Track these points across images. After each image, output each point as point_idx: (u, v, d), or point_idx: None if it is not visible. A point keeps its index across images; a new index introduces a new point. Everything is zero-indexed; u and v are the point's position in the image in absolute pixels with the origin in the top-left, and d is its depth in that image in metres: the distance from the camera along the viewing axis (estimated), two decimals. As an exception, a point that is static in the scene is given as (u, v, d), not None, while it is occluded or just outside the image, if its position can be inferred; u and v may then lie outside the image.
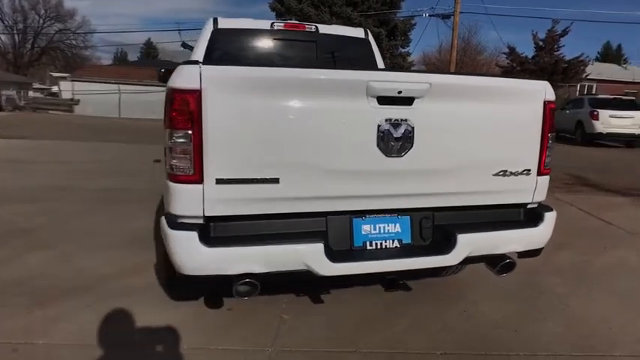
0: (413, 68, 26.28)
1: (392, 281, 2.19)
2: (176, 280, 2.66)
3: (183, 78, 1.82)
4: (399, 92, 1.95)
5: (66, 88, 29.51)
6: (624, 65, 32.01)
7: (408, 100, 1.98)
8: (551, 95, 2.24)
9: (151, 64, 35.70)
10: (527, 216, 2.36)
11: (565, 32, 20.01)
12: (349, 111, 1.94)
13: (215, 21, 3.81)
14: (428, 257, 2.12)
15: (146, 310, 2.74)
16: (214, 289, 2.94)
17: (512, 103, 2.17)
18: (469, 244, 2.13)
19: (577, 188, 6.79)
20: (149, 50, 64.85)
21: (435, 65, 31.19)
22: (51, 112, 27.15)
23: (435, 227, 2.21)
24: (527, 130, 2.22)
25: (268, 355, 2.34)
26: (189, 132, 1.82)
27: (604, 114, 13.26)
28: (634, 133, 13.50)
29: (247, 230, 1.96)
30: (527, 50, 22.58)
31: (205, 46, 3.74)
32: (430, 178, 2.11)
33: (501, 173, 2.21)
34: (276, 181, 1.91)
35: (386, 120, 1.97)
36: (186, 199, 1.89)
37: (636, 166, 10.53)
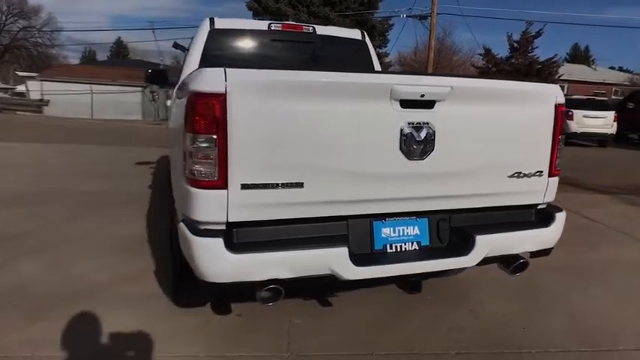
0: (390, 69, 26.51)
1: (415, 283, 2.19)
2: (185, 287, 2.63)
3: (208, 81, 1.78)
4: (422, 96, 1.96)
5: (34, 88, 28.57)
6: (593, 66, 33.08)
7: (429, 104, 2.00)
8: (561, 98, 2.29)
9: (123, 64, 35.01)
10: (538, 216, 2.41)
11: (539, 34, 20.57)
12: (373, 114, 1.94)
13: (212, 21, 3.75)
14: (448, 259, 2.14)
15: (152, 319, 2.68)
16: (221, 296, 2.90)
17: (526, 105, 2.21)
18: (487, 245, 2.16)
19: (560, 187, 6.97)
20: (119, 49, 63.48)
21: (410, 66, 31.51)
22: (18, 113, 26.24)
23: (452, 229, 2.23)
24: (540, 132, 2.27)
25: (290, 360, 2.33)
26: (214, 136, 1.79)
27: (578, 114, 13.67)
28: (606, 133, 14.01)
29: (269, 235, 1.93)
30: (503, 51, 23.17)
31: (202, 47, 3.68)
32: (449, 181, 2.13)
33: (516, 175, 2.25)
34: (300, 185, 1.89)
35: (408, 123, 1.98)
36: (210, 205, 1.85)
37: (612, 164, 10.91)
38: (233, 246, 1.83)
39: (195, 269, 1.88)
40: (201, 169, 1.83)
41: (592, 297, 3.15)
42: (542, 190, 2.36)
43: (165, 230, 3.96)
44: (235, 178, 1.82)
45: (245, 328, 2.63)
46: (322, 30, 4.03)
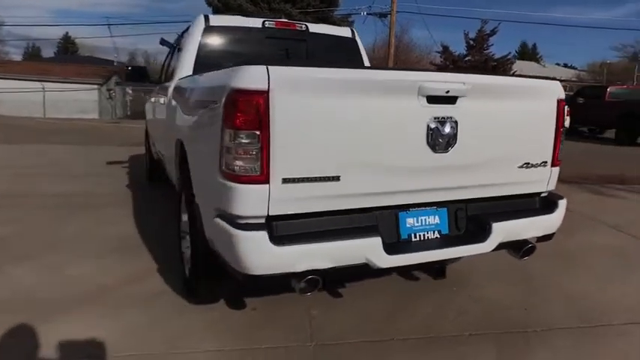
0: (351, 65, 26.73)
1: (440, 270, 2.31)
2: (203, 281, 2.65)
3: (251, 79, 1.81)
4: (447, 92, 2.08)
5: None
6: (542, 63, 34.72)
7: (452, 99, 2.11)
8: (562, 93, 2.47)
9: (74, 61, 33.58)
10: (543, 204, 2.59)
11: (493, 32, 21.42)
12: (403, 110, 2.04)
13: (206, 19, 3.73)
14: (467, 246, 2.27)
15: (168, 316, 2.68)
16: (240, 289, 2.92)
17: (533, 100, 2.38)
18: (502, 231, 2.31)
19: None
20: (67, 45, 60.77)
21: (370, 62, 31.91)
22: (-43, 112, 24.69)
23: (468, 217, 2.36)
24: (545, 125, 2.44)
25: (312, 350, 2.39)
26: (258, 132, 1.83)
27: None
28: (560, 126, 14.75)
29: (306, 227, 1.99)
30: (460, 49, 23.90)
31: (197, 44, 3.66)
32: (467, 172, 2.26)
33: (525, 165, 2.41)
34: (337, 178, 1.96)
35: (434, 118, 2.09)
36: (252, 200, 1.89)
37: (570, 156, 11.52)
38: (276, 239, 1.88)
39: (236, 262, 1.92)
40: (243, 164, 1.87)
41: (580, 280, 3.38)
42: (547, 179, 2.54)
43: (156, 228, 3.95)
44: (277, 172, 1.87)
45: (264, 321, 2.68)
46: (314, 28, 4.09)
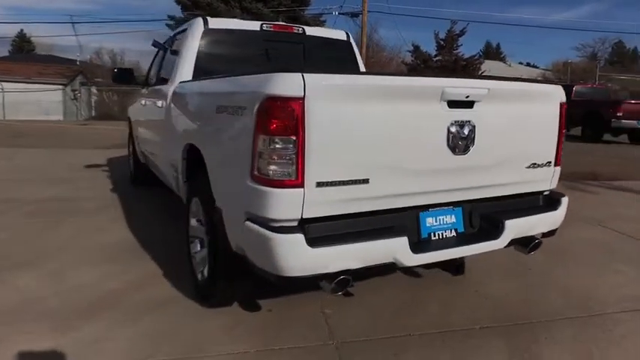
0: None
1: (460, 266, 2.41)
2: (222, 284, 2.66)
3: (288, 85, 1.86)
4: (467, 97, 2.18)
5: None
6: (508, 63, 35.83)
7: (470, 104, 2.22)
8: (564, 97, 2.62)
9: (32, 60, 32.32)
10: (546, 201, 2.73)
11: (462, 32, 21.96)
12: (426, 114, 2.13)
13: (205, 21, 3.72)
14: (483, 243, 2.38)
15: (186, 321, 2.68)
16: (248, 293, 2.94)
17: (540, 104, 2.52)
18: (514, 228, 2.43)
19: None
20: (22, 44, 58.34)
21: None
22: None
23: (481, 216, 2.48)
24: (550, 127, 2.58)
25: (335, 348, 2.45)
26: (293, 138, 1.87)
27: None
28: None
29: (337, 229, 2.05)
30: (430, 48, 24.36)
31: (197, 47, 3.65)
32: (482, 172, 2.37)
33: (532, 165, 2.55)
34: (366, 181, 2.03)
35: (455, 121, 2.19)
36: (286, 203, 1.93)
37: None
38: (311, 241, 1.93)
39: (271, 264, 1.96)
40: (279, 169, 1.91)
41: (573, 273, 3.56)
42: (550, 178, 2.68)
43: (151, 233, 3.90)
44: (311, 176, 1.92)
45: (280, 322, 2.72)
46: (311, 31, 4.14)
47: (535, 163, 2.56)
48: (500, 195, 2.52)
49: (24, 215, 4.82)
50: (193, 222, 3.05)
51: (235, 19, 3.97)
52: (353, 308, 2.91)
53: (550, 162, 2.63)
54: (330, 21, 25.54)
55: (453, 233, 2.39)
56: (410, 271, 3.32)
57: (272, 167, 1.92)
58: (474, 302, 3.02)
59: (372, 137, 2.02)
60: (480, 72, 21.82)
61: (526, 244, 2.58)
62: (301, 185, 1.92)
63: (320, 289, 2.98)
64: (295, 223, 1.98)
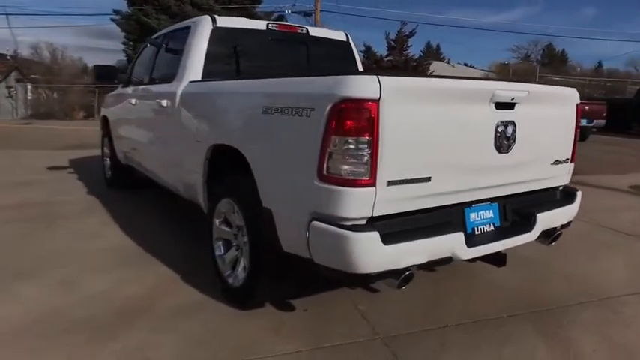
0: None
1: (502, 258, 2.55)
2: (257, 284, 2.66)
3: (365, 87, 1.90)
4: (512, 99, 2.31)
5: None
6: (452, 63, 37.32)
7: (511, 105, 2.36)
8: (578, 98, 2.84)
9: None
10: (562, 195, 2.94)
11: (412, 33, 22.57)
12: (479, 115, 2.25)
13: (213, 19, 3.66)
14: (519, 236, 2.54)
15: (223, 324, 2.65)
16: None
17: (563, 105, 2.72)
18: (544, 221, 2.61)
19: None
20: (-62, 36, 53.61)
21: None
22: None
23: (513, 210, 2.63)
24: (569, 126, 2.79)
25: (382, 342, 2.52)
26: (369, 139, 1.92)
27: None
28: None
29: (403, 226, 2.12)
30: (381, 49, 24.84)
31: (205, 46, 3.58)
32: (519, 169, 2.53)
33: (555, 162, 2.74)
34: (428, 179, 2.12)
35: (501, 122, 2.32)
36: (359, 202, 1.98)
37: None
38: (384, 238, 1.99)
39: (345, 262, 1.99)
40: (353, 169, 1.95)
41: (569, 262, 3.82)
42: (567, 174, 2.90)
43: (149, 237, 3.86)
44: (383, 176, 1.98)
45: (320, 320, 2.75)
46: (313, 31, 4.16)
47: (557, 160, 2.75)
48: (528, 190, 2.69)
49: (2, 222, 4.50)
50: (218, 224, 3.01)
51: (241, 18, 3.93)
52: (384, 304, 2.98)
53: (568, 159, 2.84)
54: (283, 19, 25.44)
55: (492, 227, 2.52)
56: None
57: (345, 167, 1.96)
58: (493, 293, 3.19)
59: (434, 137, 2.11)
60: (429, 72, 22.58)
61: (548, 235, 2.76)
62: (373, 184, 1.97)
63: (341, 286, 3.09)
64: (364, 222, 2.03)
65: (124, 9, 22.63)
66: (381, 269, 2.02)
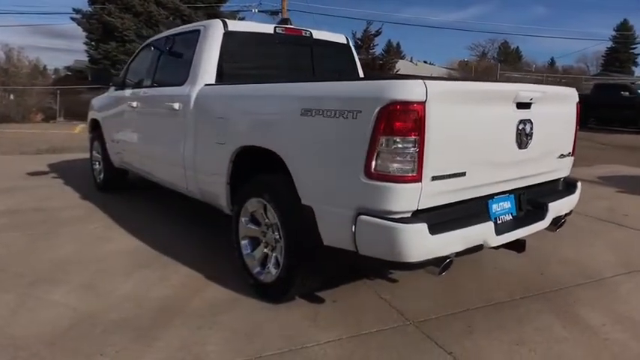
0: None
1: (523, 244, 2.78)
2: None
3: (413, 91, 2.07)
4: (531, 99, 2.54)
5: None
6: (414, 62, 38.18)
7: (528, 105, 2.59)
8: (577, 97, 3.11)
9: None
10: (564, 186, 3.21)
11: (378, 33, 23.05)
12: (504, 114, 2.47)
13: (225, 24, 3.73)
14: (535, 224, 2.78)
15: (262, 319, 2.76)
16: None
17: (566, 104, 2.98)
18: (554, 209, 2.86)
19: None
20: None
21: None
22: None
23: (527, 200, 2.87)
24: (571, 123, 3.06)
25: (415, 327, 2.70)
26: (416, 138, 2.09)
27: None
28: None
29: (443, 217, 2.30)
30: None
31: (219, 49, 3.66)
32: (533, 163, 2.76)
33: (560, 156, 3.00)
34: (463, 174, 2.31)
35: (521, 120, 2.54)
36: (406, 196, 2.15)
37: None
38: (430, 228, 2.16)
39: (395, 252, 2.16)
40: (401, 166, 2.12)
41: (559, 248, 4.11)
42: (568, 167, 3.17)
43: (159, 239, 3.92)
44: (428, 172, 2.15)
45: (351, 309, 2.90)
46: (316, 34, 4.30)
47: (562, 154, 3.02)
48: (538, 182, 2.93)
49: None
50: (245, 223, 3.11)
51: (249, 22, 4.02)
52: (405, 293, 3.17)
53: (570, 152, 3.11)
54: (249, 18, 25.33)
55: (510, 217, 2.75)
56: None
57: (394, 165, 2.12)
58: (501, 278, 3.44)
59: (468, 135, 2.31)
60: (395, 71, 23.13)
61: (556, 223, 3.02)
62: (419, 180, 2.14)
63: (361, 278, 3.24)
64: (409, 214, 2.20)
65: (85, 7, 21.94)
66: (427, 257, 2.20)
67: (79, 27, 21.75)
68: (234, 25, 3.80)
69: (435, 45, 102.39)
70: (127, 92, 4.89)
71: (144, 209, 5.22)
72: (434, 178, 2.19)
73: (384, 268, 2.30)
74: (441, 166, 2.21)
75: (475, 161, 2.37)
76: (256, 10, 23.68)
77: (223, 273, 3.35)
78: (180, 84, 3.81)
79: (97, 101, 6.08)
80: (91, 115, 6.08)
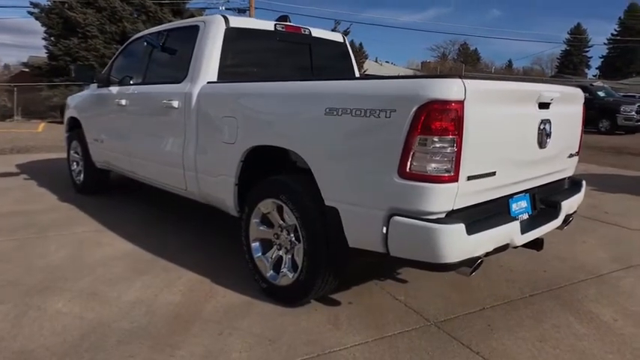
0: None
1: (541, 243, 2.81)
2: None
3: (452, 90, 2.05)
4: (552, 99, 2.58)
5: None
6: (379, 62, 38.58)
7: (548, 105, 2.63)
8: (583, 98, 3.19)
9: None
10: (570, 185, 3.29)
11: (346, 33, 23.04)
12: (528, 114, 2.49)
13: (226, 20, 3.62)
14: (551, 222, 2.82)
15: (282, 322, 2.70)
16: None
17: (577, 103, 3.06)
18: (566, 207, 2.92)
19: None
20: None
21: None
22: None
23: (540, 199, 2.92)
24: (578, 122, 3.14)
25: (437, 327, 2.69)
26: (454, 137, 2.08)
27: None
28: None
29: (475, 217, 2.30)
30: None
31: (220, 46, 3.55)
32: (549, 163, 2.81)
33: (569, 155, 3.07)
34: (494, 174, 2.32)
35: (542, 120, 2.58)
36: (443, 197, 2.13)
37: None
38: (467, 229, 2.15)
39: (431, 253, 2.14)
40: (439, 166, 2.10)
41: (553, 245, 4.17)
42: (574, 166, 3.25)
43: (152, 242, 3.90)
44: (464, 172, 2.14)
45: (369, 311, 2.87)
46: (315, 32, 4.24)
47: (571, 153, 3.09)
48: (549, 181, 2.99)
49: (-20, 235, 4.13)
50: (257, 225, 3.02)
51: (250, 19, 3.91)
52: (417, 293, 3.16)
53: (577, 152, 3.19)
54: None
55: (526, 216, 2.79)
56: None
57: (431, 164, 2.10)
58: (508, 277, 3.48)
59: (498, 134, 2.32)
60: (364, 71, 23.24)
61: (565, 221, 3.09)
62: (456, 180, 2.13)
63: (371, 279, 3.22)
64: (444, 215, 2.19)
65: (44, 1, 20.95)
66: (462, 258, 2.19)
67: (37, 21, 20.79)
68: (236, 22, 3.68)
69: (395, 46, 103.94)
70: (114, 90, 4.68)
71: (129, 211, 5.01)
72: (469, 178, 2.18)
73: (419, 269, 2.27)
74: (475, 165, 2.20)
75: (503, 161, 2.38)
76: (223, 8, 23.28)
77: (229, 277, 3.25)
78: (178, 81, 3.67)
79: (75, 99, 5.79)
80: (69, 113, 5.79)
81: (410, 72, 32.34)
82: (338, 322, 2.73)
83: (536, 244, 2.79)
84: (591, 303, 3.05)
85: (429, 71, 35.90)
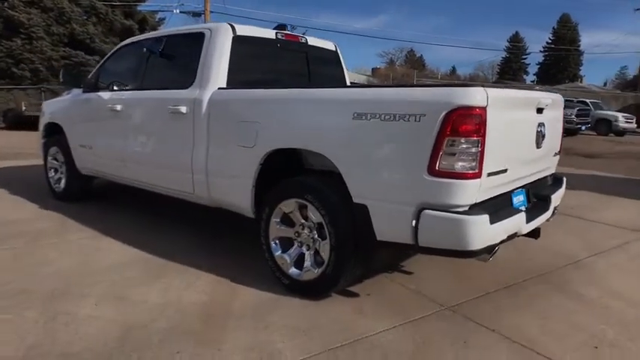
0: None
1: (539, 232, 3.15)
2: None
3: (477, 97, 2.33)
4: (547, 105, 2.93)
5: None
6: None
7: (542, 110, 2.98)
8: (563, 102, 3.60)
9: None
10: (555, 181, 3.68)
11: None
12: (529, 118, 2.83)
13: (233, 28, 3.75)
14: (544, 214, 3.17)
15: (310, 313, 2.87)
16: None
17: (560, 108, 3.45)
18: (554, 200, 3.30)
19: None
20: None
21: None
22: None
23: (533, 194, 3.27)
24: (560, 124, 3.53)
25: (452, 311, 2.96)
26: (479, 139, 2.35)
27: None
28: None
29: (491, 208, 2.59)
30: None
31: (229, 53, 3.68)
32: (542, 161, 3.17)
33: (554, 154, 3.46)
34: (506, 171, 2.62)
35: (539, 123, 2.92)
36: (469, 191, 2.40)
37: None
38: (490, 219, 2.44)
39: (460, 242, 2.40)
40: (466, 164, 2.37)
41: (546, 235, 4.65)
42: (555, 164, 3.64)
43: (158, 246, 4.01)
44: (486, 169, 2.43)
45: (387, 301, 3.09)
46: (311, 41, 4.44)
47: (555, 153, 3.47)
48: (539, 178, 3.36)
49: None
50: (277, 224, 3.18)
51: (253, 27, 4.04)
52: (425, 283, 3.42)
53: (559, 151, 3.59)
54: (173, 20, 24.52)
55: (524, 209, 3.12)
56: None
57: (458, 163, 2.37)
58: (500, 264, 3.81)
59: (509, 136, 2.63)
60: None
61: (552, 212, 3.46)
62: (480, 176, 2.41)
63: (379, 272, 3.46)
64: (467, 208, 2.46)
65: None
66: (485, 245, 2.47)
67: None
68: (241, 30, 3.82)
69: (346, 51, 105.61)
70: (105, 95, 4.65)
71: (117, 217, 4.98)
72: (489, 175, 2.46)
73: (444, 256, 2.53)
74: (493, 163, 2.49)
75: (512, 159, 2.70)
76: (177, 11, 22.98)
77: (246, 276, 3.37)
78: (185, 87, 3.76)
79: (53, 104, 5.67)
80: (48, 119, 5.64)
81: (362, 78, 33.11)
82: (363, 311, 2.94)
83: (535, 233, 3.12)
84: (577, 284, 3.44)
85: (380, 77, 36.92)
